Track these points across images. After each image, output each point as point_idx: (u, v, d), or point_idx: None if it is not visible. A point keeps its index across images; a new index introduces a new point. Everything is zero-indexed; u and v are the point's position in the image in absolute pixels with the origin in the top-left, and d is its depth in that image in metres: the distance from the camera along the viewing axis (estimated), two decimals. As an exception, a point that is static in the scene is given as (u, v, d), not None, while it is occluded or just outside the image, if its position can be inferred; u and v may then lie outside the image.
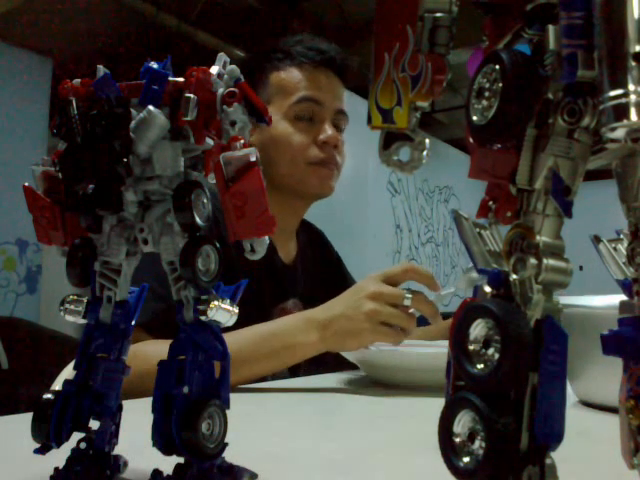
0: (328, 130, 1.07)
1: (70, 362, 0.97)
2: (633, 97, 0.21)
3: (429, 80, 0.28)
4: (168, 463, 0.34)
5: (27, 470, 0.40)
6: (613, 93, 0.22)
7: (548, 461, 0.24)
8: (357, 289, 0.85)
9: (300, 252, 1.21)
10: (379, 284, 0.83)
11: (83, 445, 0.36)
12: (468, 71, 2.86)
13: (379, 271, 0.88)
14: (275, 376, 1.02)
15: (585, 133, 0.25)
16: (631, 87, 0.21)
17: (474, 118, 0.27)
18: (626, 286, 0.27)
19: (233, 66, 0.36)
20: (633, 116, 0.21)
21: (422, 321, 0.87)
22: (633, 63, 0.21)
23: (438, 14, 0.28)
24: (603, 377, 0.62)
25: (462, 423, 0.25)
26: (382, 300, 0.81)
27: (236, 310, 0.35)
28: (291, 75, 1.08)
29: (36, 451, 0.35)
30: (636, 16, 0.22)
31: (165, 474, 0.34)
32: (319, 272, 1.25)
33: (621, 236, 0.31)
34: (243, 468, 0.37)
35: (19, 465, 0.42)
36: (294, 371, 1.06)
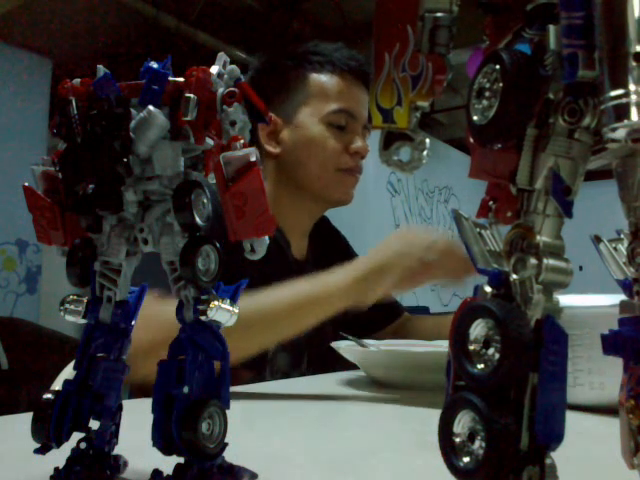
0: (359, 141, 1.10)
1: (70, 362, 0.97)
2: (634, 97, 0.21)
3: (429, 80, 0.28)
4: (168, 463, 0.34)
5: (27, 470, 0.40)
6: (614, 93, 0.22)
7: (548, 461, 0.24)
8: (403, 239, 0.89)
9: (311, 247, 1.21)
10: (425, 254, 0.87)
11: (83, 445, 0.36)
12: (468, 71, 2.86)
13: (416, 235, 0.91)
14: (278, 376, 1.03)
15: (585, 133, 0.25)
16: (632, 87, 0.21)
17: (474, 118, 0.27)
18: (626, 286, 0.27)
19: (233, 66, 0.36)
20: (634, 116, 0.21)
21: (423, 312, 0.87)
22: (634, 63, 0.21)
23: (438, 14, 0.28)
24: (603, 377, 0.62)
25: (462, 423, 0.25)
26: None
27: (236, 310, 0.35)
28: (332, 82, 1.10)
29: (36, 451, 0.35)
30: (636, 16, 0.22)
31: (165, 474, 0.34)
32: (331, 261, 1.26)
33: (621, 236, 0.31)
34: (243, 468, 0.37)
35: (19, 465, 0.42)
36: (297, 368, 1.07)
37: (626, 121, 0.22)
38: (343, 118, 1.08)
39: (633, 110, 0.21)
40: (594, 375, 0.63)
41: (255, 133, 1.09)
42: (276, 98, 1.10)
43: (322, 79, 1.10)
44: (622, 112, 0.22)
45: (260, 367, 1.01)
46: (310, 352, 1.10)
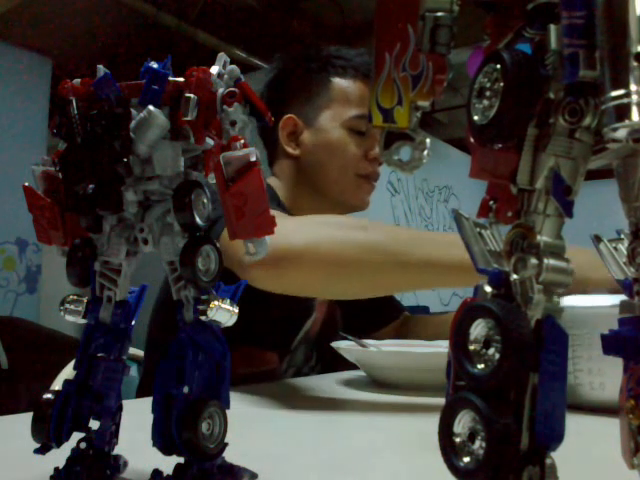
0: (379, 147, 1.09)
1: (70, 362, 0.97)
2: (635, 97, 0.21)
3: (430, 79, 0.28)
4: (168, 463, 0.34)
5: (27, 470, 0.40)
6: (615, 93, 0.22)
7: (548, 461, 0.24)
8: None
9: None
10: None
11: (83, 445, 0.36)
12: (468, 70, 2.86)
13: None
14: (292, 370, 1.03)
15: (586, 133, 0.25)
16: (633, 87, 0.21)
17: (475, 118, 0.27)
18: (626, 286, 0.27)
19: (233, 66, 0.36)
20: (634, 116, 0.21)
21: (423, 312, 0.86)
22: (635, 63, 0.21)
23: (439, 13, 0.28)
24: (603, 377, 0.62)
25: (462, 423, 0.25)
26: None
27: (236, 310, 0.35)
28: (354, 87, 1.10)
29: (36, 451, 0.35)
30: (638, 16, 0.22)
31: (165, 474, 0.34)
32: None
33: (621, 236, 0.31)
34: (243, 468, 0.37)
35: (19, 465, 0.42)
36: (307, 364, 1.07)
37: (627, 121, 0.22)
38: (364, 124, 1.08)
39: (634, 110, 0.21)
40: (594, 375, 0.63)
41: (274, 133, 1.09)
42: (297, 100, 1.10)
43: (344, 84, 1.10)
44: (623, 112, 0.22)
45: (284, 353, 1.01)
46: (320, 348, 1.10)
